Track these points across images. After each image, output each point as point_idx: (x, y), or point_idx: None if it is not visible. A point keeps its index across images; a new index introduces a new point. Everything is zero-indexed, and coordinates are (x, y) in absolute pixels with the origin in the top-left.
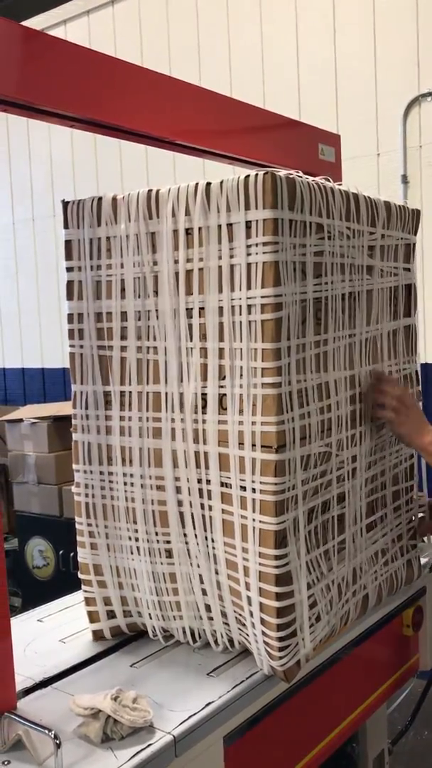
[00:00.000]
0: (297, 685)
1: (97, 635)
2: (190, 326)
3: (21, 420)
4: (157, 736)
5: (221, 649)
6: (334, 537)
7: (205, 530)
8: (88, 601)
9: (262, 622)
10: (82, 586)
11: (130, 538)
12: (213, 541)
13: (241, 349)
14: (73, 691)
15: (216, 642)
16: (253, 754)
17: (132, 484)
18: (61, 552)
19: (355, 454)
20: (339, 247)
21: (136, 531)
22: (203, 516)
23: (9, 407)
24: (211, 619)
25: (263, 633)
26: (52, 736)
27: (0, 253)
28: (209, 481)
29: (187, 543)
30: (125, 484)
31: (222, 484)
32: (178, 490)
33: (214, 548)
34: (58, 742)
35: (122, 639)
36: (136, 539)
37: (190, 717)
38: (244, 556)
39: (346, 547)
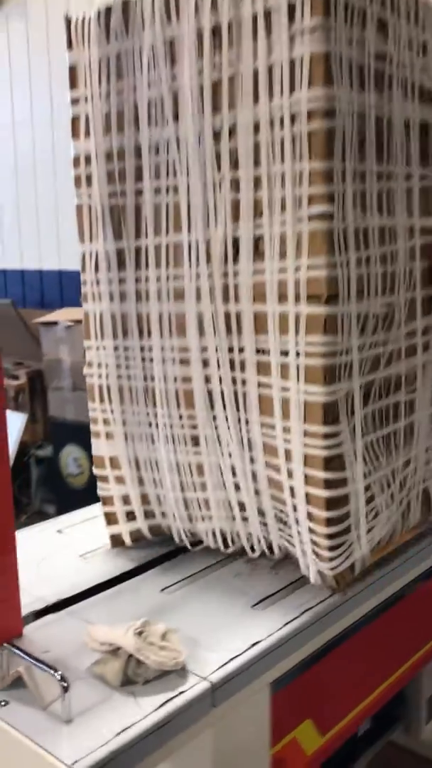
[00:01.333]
0: (358, 624)
1: (116, 540)
2: (218, 154)
3: (56, 323)
4: (190, 681)
5: (258, 554)
6: (398, 420)
7: (238, 410)
8: (105, 501)
9: (309, 516)
10: (98, 484)
11: (150, 425)
12: (247, 422)
13: (282, 173)
14: (91, 618)
15: (252, 547)
16: (303, 701)
17: (151, 360)
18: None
19: (430, 324)
20: (406, 58)
21: (157, 415)
22: (236, 393)
23: (46, 311)
24: (246, 519)
25: (310, 530)
26: (59, 677)
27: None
28: (242, 348)
29: (216, 427)
30: (143, 359)
31: (258, 351)
32: (205, 363)
33: (248, 431)
34: (65, 684)
35: (151, 557)
36: (157, 425)
37: (231, 660)
38: (285, 438)
39: (415, 432)
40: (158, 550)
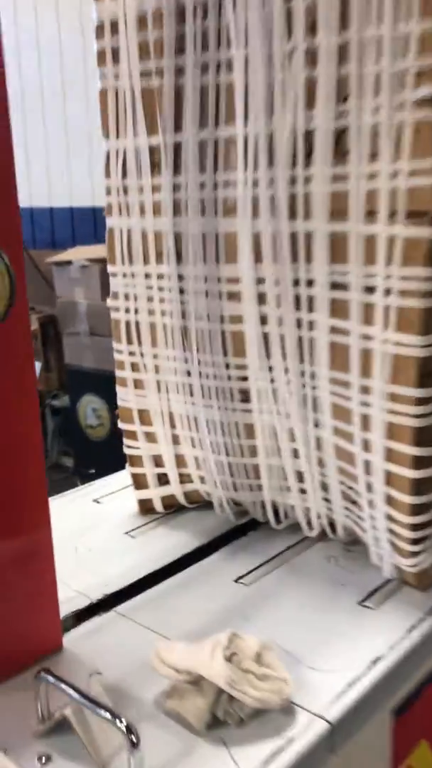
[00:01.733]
0: None
1: (144, 506)
2: (288, 12)
3: (70, 262)
4: (299, 721)
5: (316, 533)
6: None
7: (302, 361)
8: (132, 461)
9: (388, 500)
10: (124, 440)
11: (188, 373)
12: (313, 377)
13: (379, 38)
14: (150, 622)
15: (309, 524)
16: (420, 722)
17: (190, 292)
18: (116, 411)
19: None
20: None
21: (198, 362)
22: (300, 339)
23: (57, 251)
24: (303, 492)
25: (388, 516)
26: (124, 727)
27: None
28: (312, 281)
29: (272, 381)
30: (182, 291)
31: (333, 286)
32: (261, 298)
33: (314, 388)
34: (134, 739)
35: (213, 533)
36: (198, 374)
37: (350, 686)
38: (363, 400)
39: None
40: (220, 523)
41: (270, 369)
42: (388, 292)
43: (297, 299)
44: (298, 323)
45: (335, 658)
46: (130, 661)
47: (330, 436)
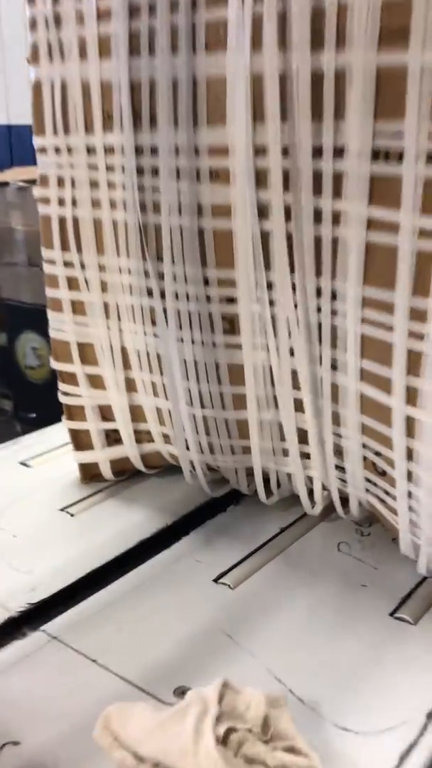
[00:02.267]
0: None
1: (88, 472)
2: None
3: (6, 184)
4: None
5: (319, 510)
6: None
7: (320, 272)
8: (71, 413)
9: None
10: (60, 386)
11: (149, 293)
12: (335, 296)
13: None
14: (93, 650)
15: (312, 498)
16: None
17: (155, 171)
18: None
19: None
20: None
21: (163, 276)
22: (318, 239)
23: None
24: (307, 456)
25: None
26: None
27: None
28: (342, 148)
29: (272, 303)
30: (140, 172)
31: (374, 155)
32: (260, 178)
33: (334, 313)
34: None
35: (178, 511)
36: (163, 294)
37: (405, 757)
38: (412, 329)
39: None
40: (190, 496)
41: (269, 286)
42: None
43: (317, 178)
44: (317, 215)
45: (374, 709)
46: (67, 719)
47: (353, 383)
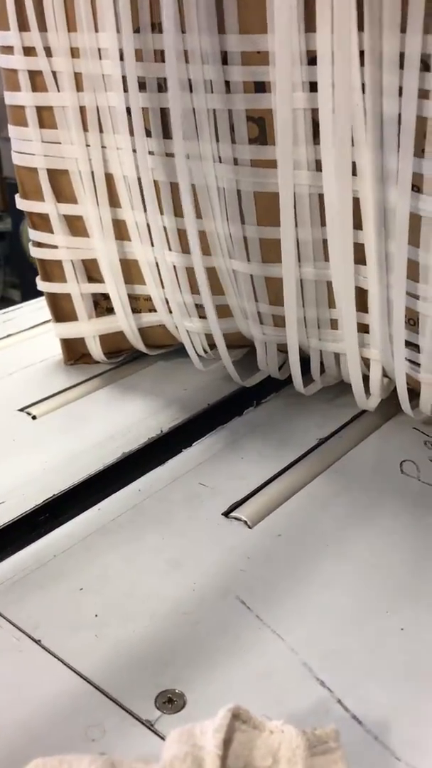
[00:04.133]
0: None
1: (71, 352)
2: None
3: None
4: None
5: (375, 403)
6: None
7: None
8: (46, 270)
9: None
10: (30, 234)
11: (142, 86)
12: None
13: None
14: (52, 625)
15: (368, 387)
16: None
17: None
18: None
19: None
20: None
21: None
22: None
23: None
24: (365, 329)
25: None
26: None
27: None
28: None
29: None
30: None
31: None
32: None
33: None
34: None
35: (200, 403)
36: (153, 85)
37: None
38: None
39: None
40: (205, 388)
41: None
42: None
43: None
44: None
45: None
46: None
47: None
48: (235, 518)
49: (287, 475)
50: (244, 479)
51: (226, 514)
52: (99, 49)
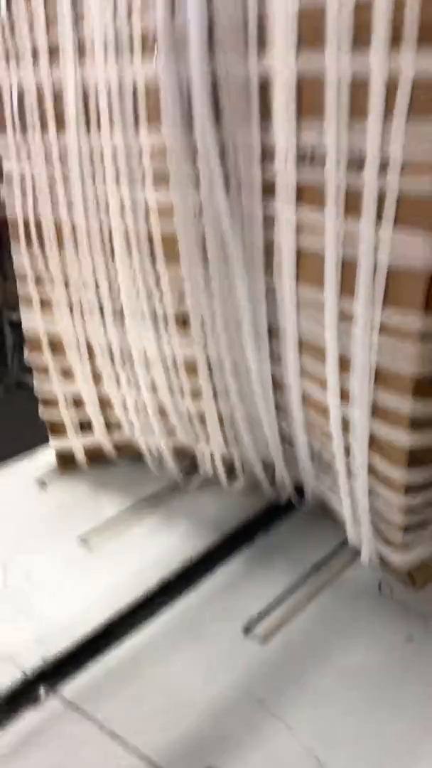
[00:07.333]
0: None
1: (63, 459)
2: None
3: None
4: None
5: (285, 497)
6: None
7: (271, 269)
8: (45, 401)
9: (372, 471)
10: (35, 375)
11: (108, 289)
12: (272, 291)
13: None
14: (118, 724)
15: (275, 485)
16: None
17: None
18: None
19: None
20: None
21: (117, 275)
22: (267, 245)
23: None
24: (261, 443)
25: (371, 492)
26: None
27: None
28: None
29: (207, 272)
30: (91, 155)
31: None
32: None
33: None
34: None
35: (232, 521)
36: (110, 293)
37: None
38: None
39: None
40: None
41: (204, 263)
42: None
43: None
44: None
45: None
46: None
47: (294, 384)
48: (255, 636)
49: (296, 596)
50: (260, 591)
51: (245, 630)
52: (79, 263)
